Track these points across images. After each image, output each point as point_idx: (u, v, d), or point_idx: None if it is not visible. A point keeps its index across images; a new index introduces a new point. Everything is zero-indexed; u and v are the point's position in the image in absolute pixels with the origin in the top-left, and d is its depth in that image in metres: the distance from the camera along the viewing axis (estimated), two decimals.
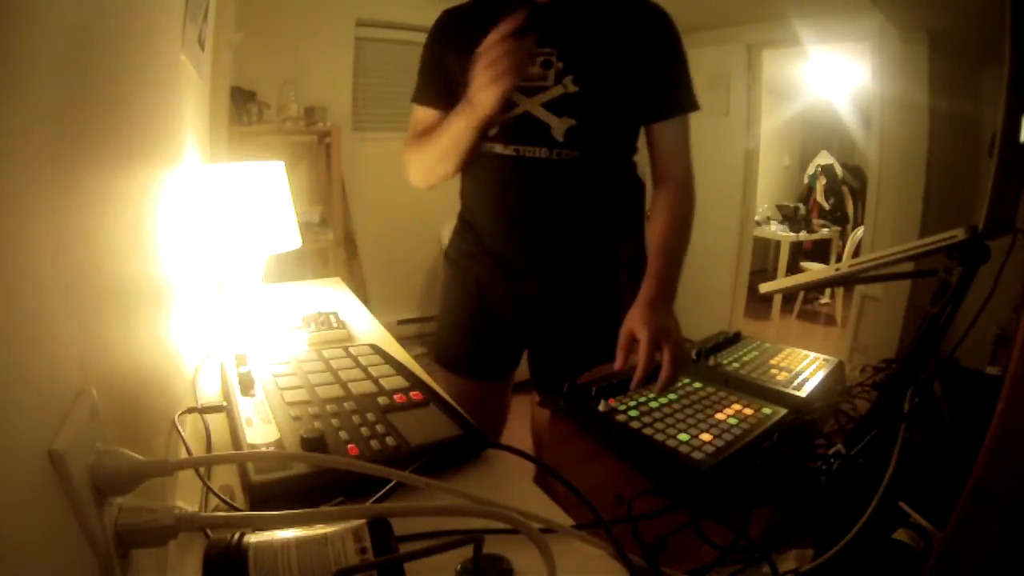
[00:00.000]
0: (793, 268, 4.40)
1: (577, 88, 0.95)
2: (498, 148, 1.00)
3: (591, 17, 0.98)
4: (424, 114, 1.09)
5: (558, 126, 0.97)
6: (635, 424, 0.79)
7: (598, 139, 1.00)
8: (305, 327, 1.10)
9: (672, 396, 0.89)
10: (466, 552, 0.41)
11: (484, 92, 0.89)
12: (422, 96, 1.09)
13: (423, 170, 1.07)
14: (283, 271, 1.53)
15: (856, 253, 3.72)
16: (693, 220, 1.04)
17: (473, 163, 1.05)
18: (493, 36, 0.86)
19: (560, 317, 1.12)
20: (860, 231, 3.61)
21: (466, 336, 1.19)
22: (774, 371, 1.00)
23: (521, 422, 1.28)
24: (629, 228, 1.13)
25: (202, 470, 0.55)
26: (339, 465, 0.47)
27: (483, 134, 1.00)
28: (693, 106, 1.02)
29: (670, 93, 1.01)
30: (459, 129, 0.96)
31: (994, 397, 0.43)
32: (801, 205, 4.75)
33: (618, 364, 0.92)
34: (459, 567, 0.47)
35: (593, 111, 0.97)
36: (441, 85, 1.04)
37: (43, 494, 0.29)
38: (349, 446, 0.62)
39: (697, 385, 0.93)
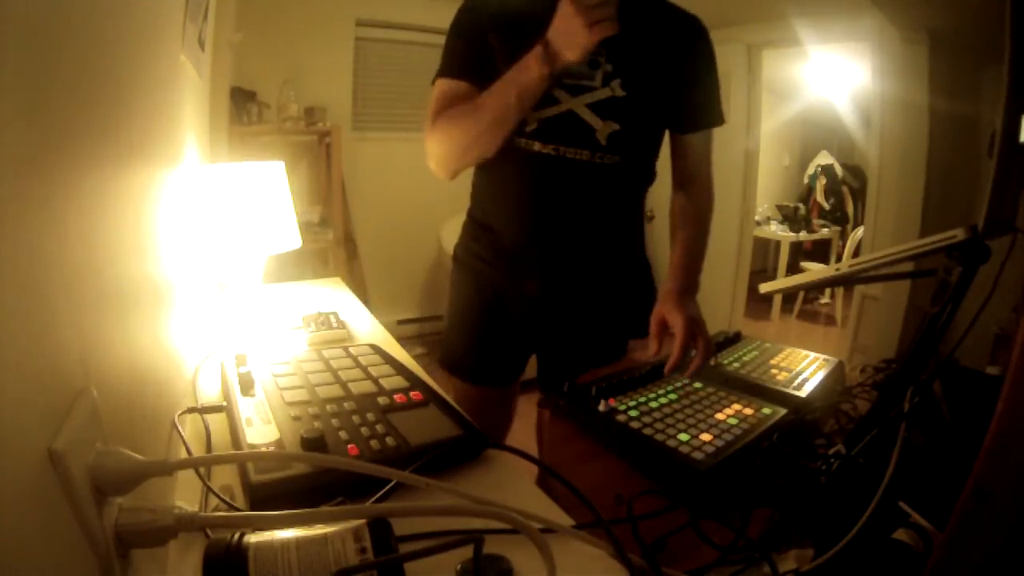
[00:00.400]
0: (793, 268, 4.40)
1: (624, 93, 0.94)
2: (536, 146, 0.96)
3: (640, 22, 0.94)
4: (453, 88, 0.97)
5: (602, 129, 0.95)
6: (635, 424, 0.79)
7: (638, 146, 1.00)
8: (305, 327, 1.10)
9: (672, 396, 0.89)
10: (466, 552, 0.41)
11: (578, 36, 0.80)
12: (452, 68, 0.98)
13: (456, 151, 0.98)
14: (283, 271, 1.53)
15: (856, 253, 3.72)
16: (711, 222, 1.08)
17: (498, 159, 0.98)
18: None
19: (574, 321, 1.11)
20: (860, 231, 3.60)
21: (478, 343, 1.15)
22: (774, 371, 1.00)
23: (520, 421, 1.28)
24: (638, 231, 1.15)
25: (202, 470, 0.55)
26: (339, 465, 0.47)
27: (518, 129, 0.95)
28: (722, 119, 1.05)
29: (707, 107, 1.02)
30: (520, 90, 0.87)
31: (994, 397, 0.43)
32: (801, 205, 4.75)
33: (652, 350, 0.97)
34: (459, 567, 0.47)
35: (637, 117, 0.96)
36: (475, 57, 0.96)
37: (43, 494, 0.29)
38: (349, 446, 0.62)
39: (697, 385, 0.93)
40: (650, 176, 1.09)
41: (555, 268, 1.06)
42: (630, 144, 0.97)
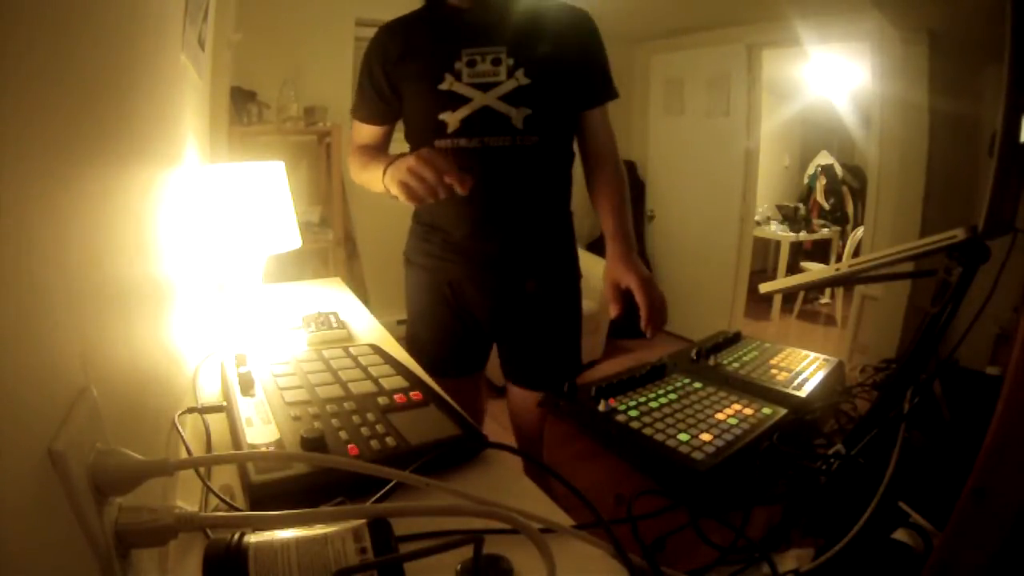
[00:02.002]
0: (793, 268, 4.40)
1: (529, 80, 1.04)
2: (462, 142, 1.05)
3: (528, 18, 1.07)
4: (361, 128, 1.18)
5: (516, 115, 1.05)
6: (635, 424, 0.79)
7: (551, 124, 1.09)
8: (305, 327, 1.10)
9: (672, 396, 0.89)
10: (466, 552, 0.41)
11: (394, 189, 0.95)
12: (360, 113, 1.17)
13: (363, 184, 1.14)
14: (283, 271, 1.53)
15: (856, 253, 3.72)
16: (628, 190, 1.17)
17: None
18: (435, 157, 0.90)
19: (529, 304, 1.18)
20: (860, 231, 3.60)
21: (442, 336, 1.21)
22: (774, 371, 1.00)
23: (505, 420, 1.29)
24: (567, 210, 1.23)
25: (202, 470, 0.55)
26: (339, 465, 0.47)
27: (441, 132, 1.06)
28: (616, 94, 1.16)
29: (599, 83, 1.13)
30: (378, 184, 1.02)
31: (994, 397, 0.43)
32: (801, 205, 4.75)
33: (614, 312, 1.06)
34: (459, 567, 0.47)
35: (544, 99, 1.06)
36: (378, 101, 1.13)
37: (43, 494, 0.29)
38: (349, 446, 0.62)
39: (697, 385, 0.93)
40: (569, 154, 1.18)
41: (503, 255, 1.14)
42: (544, 124, 1.07)
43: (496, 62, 1.03)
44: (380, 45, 1.10)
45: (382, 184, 0.99)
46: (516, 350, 1.23)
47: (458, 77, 1.03)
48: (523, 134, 1.05)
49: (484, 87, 1.03)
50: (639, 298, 1.01)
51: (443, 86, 1.03)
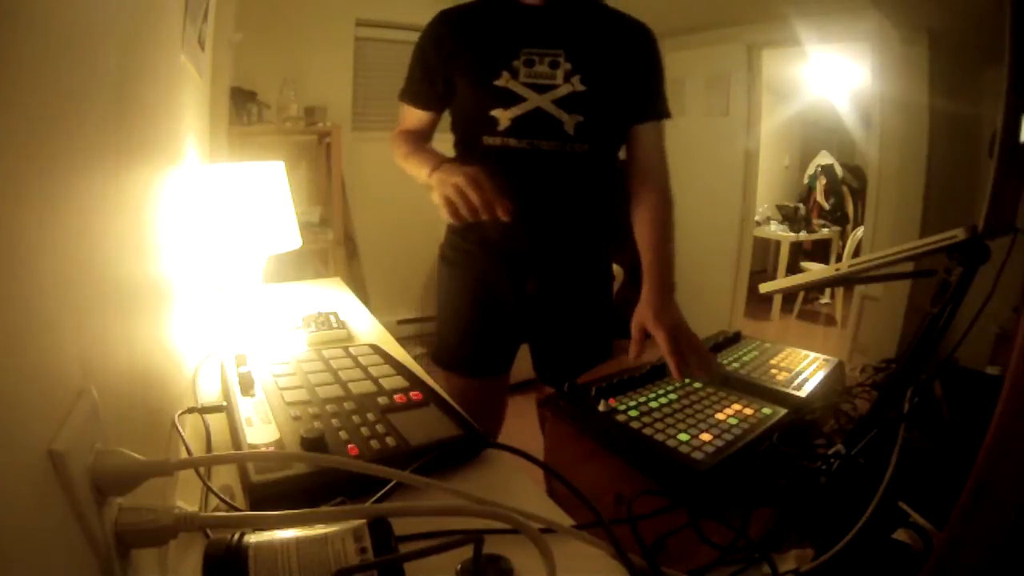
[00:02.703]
0: (793, 268, 4.39)
1: (584, 87, 1.02)
2: (511, 142, 1.04)
3: (590, 25, 1.06)
4: (409, 112, 1.16)
5: (569, 121, 1.03)
6: (635, 424, 0.79)
7: (602, 134, 1.07)
8: (305, 327, 1.10)
9: (672, 396, 0.89)
10: (466, 552, 0.41)
11: (437, 198, 0.95)
12: (408, 96, 1.15)
13: (404, 170, 1.13)
14: (283, 271, 1.53)
15: (856, 253, 3.72)
16: (674, 217, 1.12)
17: (477, 159, 1.06)
18: (482, 179, 0.91)
19: (563, 308, 1.16)
20: (860, 231, 3.60)
21: (470, 335, 1.20)
22: (774, 371, 1.00)
23: (520, 420, 1.29)
24: (610, 219, 1.21)
25: (202, 470, 0.55)
26: (339, 465, 0.47)
27: (491, 129, 1.04)
28: (668, 113, 1.13)
29: (654, 99, 1.11)
30: (422, 178, 1.02)
31: (994, 397, 0.43)
32: (801, 205, 4.75)
33: (633, 355, 1.00)
34: (459, 567, 0.47)
35: (597, 108, 1.04)
36: (428, 88, 1.11)
37: (43, 494, 0.29)
38: (349, 446, 0.62)
39: (697, 385, 0.93)
40: (614, 163, 1.16)
41: (539, 258, 1.12)
42: (595, 133, 1.05)
43: (554, 64, 1.02)
44: (436, 31, 1.09)
45: (425, 181, 0.99)
46: (549, 351, 1.22)
47: (515, 75, 1.02)
48: (573, 141, 1.04)
49: (539, 88, 1.02)
50: (663, 350, 0.95)
51: (499, 82, 1.02)
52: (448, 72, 1.07)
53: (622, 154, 1.16)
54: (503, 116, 1.03)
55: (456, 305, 1.20)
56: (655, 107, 1.10)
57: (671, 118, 1.12)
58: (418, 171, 1.03)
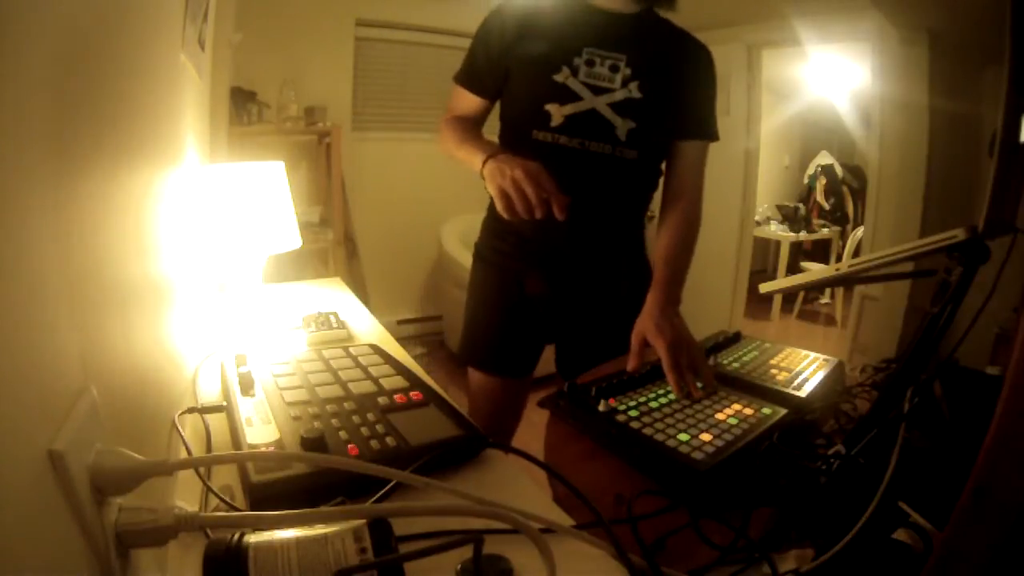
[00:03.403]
0: (793, 268, 4.39)
1: (641, 95, 1.03)
2: (562, 139, 1.04)
3: (653, 35, 1.07)
4: (464, 97, 1.14)
5: (621, 126, 1.03)
6: (635, 424, 0.79)
7: (652, 143, 1.08)
8: (305, 327, 1.10)
9: (672, 396, 0.89)
10: (466, 552, 0.41)
11: (492, 190, 0.93)
12: (465, 79, 1.13)
13: (450, 157, 1.11)
14: (283, 271, 1.53)
15: (856, 253, 3.72)
16: (697, 239, 1.12)
17: (524, 154, 1.02)
18: (541, 174, 0.88)
19: (594, 312, 1.17)
20: (860, 231, 3.60)
21: (502, 334, 1.21)
22: (774, 371, 1.00)
23: (520, 421, 1.29)
24: (643, 227, 1.21)
25: (202, 470, 0.55)
26: (339, 465, 0.47)
27: (543, 124, 1.03)
28: (717, 136, 1.13)
29: (704, 119, 1.11)
30: (472, 163, 1.00)
31: (994, 397, 0.43)
32: (801, 205, 4.75)
33: (632, 365, 0.97)
34: (459, 567, 0.47)
35: (651, 117, 1.05)
36: (487, 73, 1.10)
37: (43, 494, 0.29)
38: (349, 446, 0.62)
39: (698, 385, 0.93)
40: (659, 174, 1.16)
41: (579, 257, 1.12)
42: (646, 141, 1.05)
43: (614, 68, 1.02)
44: (501, 18, 1.07)
45: (478, 170, 0.97)
46: (575, 351, 1.22)
47: (575, 73, 1.02)
48: (624, 146, 1.04)
49: (597, 90, 1.02)
50: (664, 362, 0.92)
51: (558, 77, 1.01)
52: (508, 61, 1.06)
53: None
54: (557, 112, 1.02)
55: (489, 304, 1.21)
56: (704, 127, 1.11)
57: (718, 140, 1.13)
58: (471, 158, 1.01)
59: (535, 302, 1.16)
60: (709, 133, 1.11)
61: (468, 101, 1.14)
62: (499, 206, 0.91)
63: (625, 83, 1.02)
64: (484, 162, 0.96)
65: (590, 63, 1.02)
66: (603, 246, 1.13)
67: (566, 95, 1.02)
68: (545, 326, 1.19)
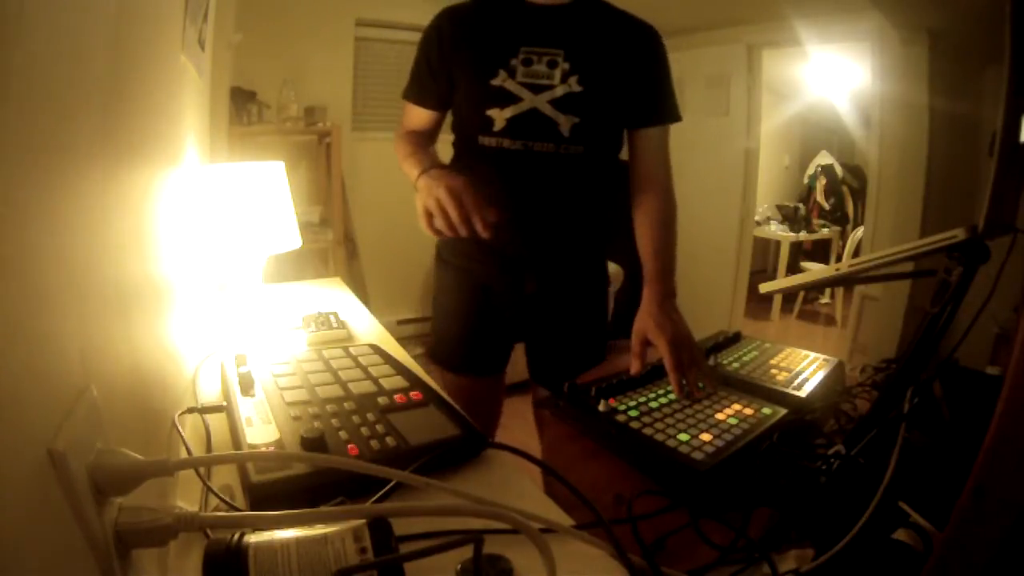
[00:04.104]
0: (793, 268, 4.39)
1: (581, 88, 1.00)
2: (505, 143, 1.03)
3: (592, 25, 1.03)
4: (413, 111, 1.15)
5: (564, 123, 1.01)
6: (635, 424, 0.79)
7: (599, 136, 1.05)
8: (305, 327, 1.10)
9: (672, 396, 0.89)
10: (466, 552, 0.41)
11: (419, 206, 0.95)
12: (411, 94, 1.14)
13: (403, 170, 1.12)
14: (283, 271, 1.53)
15: (856, 253, 3.72)
16: (677, 221, 1.09)
17: (472, 160, 1.07)
18: (464, 194, 0.89)
19: (558, 309, 1.16)
20: (860, 231, 3.60)
21: (467, 334, 1.20)
22: (774, 371, 1.00)
23: (519, 421, 1.29)
24: (607, 222, 1.19)
25: (202, 470, 0.55)
26: (339, 465, 0.47)
27: (486, 129, 1.03)
28: (677, 117, 1.10)
29: (658, 103, 1.07)
30: (411, 178, 1.01)
31: (994, 397, 0.43)
32: (801, 205, 4.75)
33: (635, 369, 0.95)
34: (459, 567, 0.47)
35: (595, 110, 1.02)
36: (431, 85, 1.10)
37: (43, 494, 0.29)
38: (349, 446, 0.62)
39: (698, 385, 0.93)
40: (611, 165, 1.13)
41: (535, 260, 1.11)
42: (591, 135, 1.03)
43: (552, 64, 1.00)
44: (438, 28, 1.07)
45: (414, 184, 0.98)
46: (543, 352, 1.22)
47: (512, 74, 1.00)
48: (568, 142, 1.02)
49: (536, 88, 1.00)
50: (666, 361, 0.91)
51: (496, 81, 1.01)
52: (450, 70, 1.06)
53: (625, 155, 1.15)
54: (499, 116, 1.01)
55: (453, 305, 1.21)
56: (659, 111, 1.08)
57: (680, 121, 1.10)
58: (410, 173, 1.02)
59: (497, 302, 1.16)
60: (666, 116, 1.08)
61: (417, 115, 1.14)
62: (422, 223, 0.93)
63: (565, 78, 1.00)
64: (417, 177, 0.97)
65: (527, 62, 1.00)
66: (560, 244, 1.12)
67: (506, 98, 1.00)
68: (509, 326, 1.19)
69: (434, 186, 0.91)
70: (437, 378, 1.02)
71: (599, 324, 1.22)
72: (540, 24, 1.02)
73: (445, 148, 1.16)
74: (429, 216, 0.92)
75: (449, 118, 1.16)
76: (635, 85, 1.04)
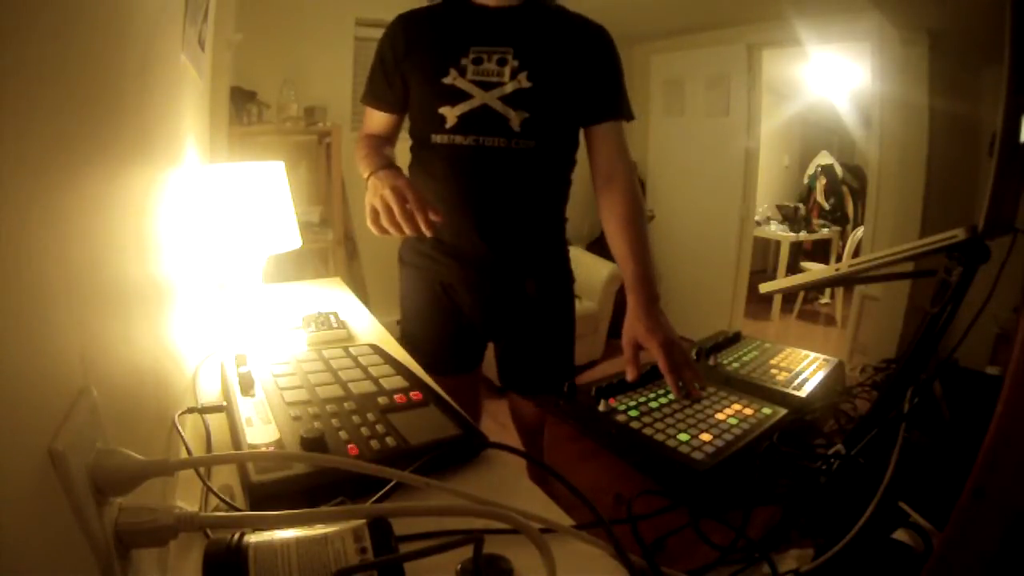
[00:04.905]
0: (793, 268, 4.39)
1: (531, 84, 1.03)
2: (457, 139, 1.05)
3: (541, 24, 1.07)
4: (371, 115, 1.18)
5: (515, 118, 1.04)
6: (635, 424, 0.79)
7: (550, 131, 1.07)
8: (305, 327, 1.10)
9: (672, 396, 0.89)
10: (466, 552, 0.41)
11: (366, 203, 0.97)
12: (369, 98, 1.17)
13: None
14: (283, 271, 1.53)
15: (856, 253, 3.72)
16: (644, 218, 1.09)
17: (425, 157, 1.10)
18: (407, 191, 0.92)
19: (522, 308, 1.17)
20: (860, 231, 3.60)
21: (437, 335, 1.22)
22: (774, 371, 1.00)
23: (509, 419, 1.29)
24: (562, 214, 1.21)
25: (202, 470, 0.55)
26: (339, 465, 0.47)
27: (438, 127, 1.06)
28: (629, 115, 1.11)
29: (609, 99, 1.09)
30: (363, 177, 1.04)
31: (994, 397, 0.43)
32: (801, 205, 4.75)
33: (631, 376, 0.95)
34: (459, 567, 0.47)
35: (545, 105, 1.05)
36: (387, 89, 1.13)
37: (43, 494, 0.29)
38: (349, 446, 0.62)
39: (697, 385, 0.93)
40: (567, 161, 1.15)
41: (494, 253, 1.12)
42: (542, 129, 1.05)
43: (501, 62, 1.03)
44: (393, 33, 1.11)
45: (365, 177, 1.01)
46: (510, 355, 1.23)
47: (462, 73, 1.03)
48: (519, 137, 1.04)
49: (486, 86, 1.03)
50: (661, 365, 0.91)
51: (446, 80, 1.03)
52: (404, 71, 1.09)
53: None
54: (450, 113, 1.04)
55: (417, 306, 1.22)
56: (611, 107, 1.08)
57: (633, 119, 1.11)
58: (363, 174, 1.04)
59: (458, 301, 1.18)
60: (617, 112, 1.09)
61: (375, 118, 1.17)
62: (368, 221, 0.96)
63: (514, 75, 1.03)
64: (367, 178, 1.00)
65: (477, 61, 1.03)
66: (515, 240, 1.12)
67: (456, 95, 1.03)
68: (473, 325, 1.20)
69: (380, 185, 0.95)
70: None
71: (564, 326, 1.22)
72: (490, 24, 1.05)
73: (405, 151, 1.18)
74: (375, 214, 0.95)
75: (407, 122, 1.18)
76: (585, 82, 1.06)
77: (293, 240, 1.18)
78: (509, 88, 1.03)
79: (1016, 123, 0.62)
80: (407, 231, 0.91)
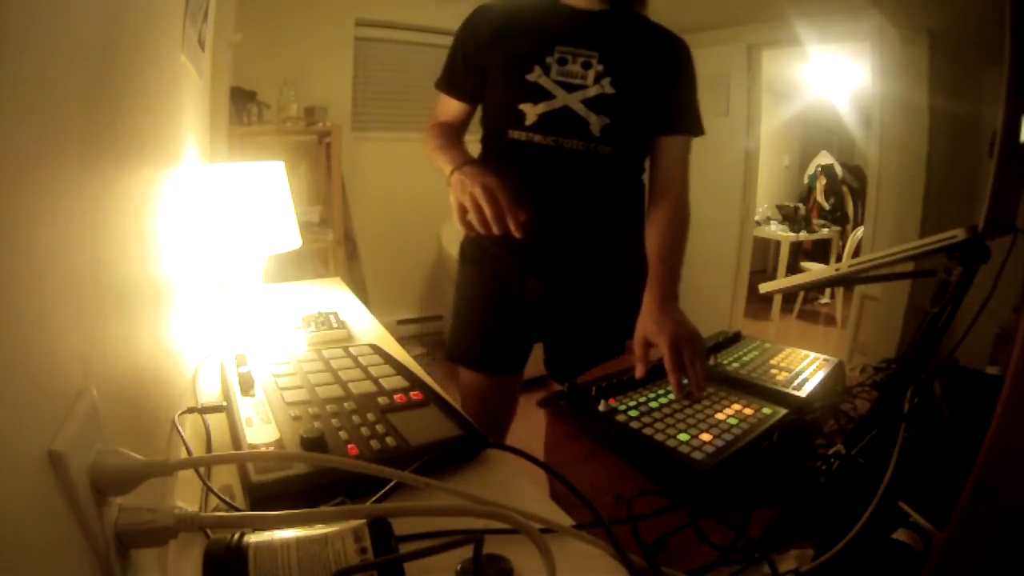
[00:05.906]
0: (793, 268, 4.39)
1: (614, 90, 1.03)
2: (536, 137, 1.05)
3: (626, 31, 1.07)
4: (445, 102, 1.16)
5: (595, 122, 1.04)
6: (635, 424, 0.79)
7: (628, 138, 1.07)
8: (305, 327, 1.10)
9: (672, 396, 0.89)
10: (466, 552, 0.41)
11: (453, 201, 0.96)
12: (445, 84, 1.15)
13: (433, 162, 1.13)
14: (283, 271, 1.53)
15: (856, 253, 3.72)
16: (688, 231, 1.10)
17: (500, 154, 1.08)
18: (500, 193, 0.91)
19: (578, 309, 1.17)
20: (860, 231, 3.60)
21: (488, 332, 1.21)
22: (774, 371, 1.00)
23: (521, 420, 1.29)
24: (637, 225, 1.19)
25: (202, 470, 0.55)
26: (339, 465, 0.47)
27: (517, 123, 1.05)
28: (700, 131, 1.13)
29: (684, 113, 1.10)
30: (444, 171, 1.03)
31: (994, 397, 0.43)
32: (801, 205, 4.75)
33: (640, 373, 0.95)
34: (459, 567, 0.47)
35: (625, 112, 1.05)
36: (465, 77, 1.11)
37: (43, 494, 0.29)
38: (349, 446, 0.62)
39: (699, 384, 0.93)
40: (640, 170, 1.16)
41: (560, 254, 1.12)
42: (620, 136, 1.05)
43: (586, 65, 1.03)
44: (474, 23, 1.09)
45: (447, 179, 1.00)
46: (562, 349, 1.23)
47: (547, 71, 1.03)
48: (598, 142, 1.04)
49: (569, 87, 1.03)
50: (665, 361, 0.90)
51: (531, 77, 1.03)
52: (484, 63, 1.08)
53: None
54: (531, 111, 1.03)
55: (474, 302, 1.21)
56: (683, 121, 1.10)
57: (703, 135, 1.12)
58: (443, 167, 1.03)
59: (519, 300, 1.17)
60: (689, 128, 1.11)
61: (450, 106, 1.16)
62: (457, 219, 0.94)
63: (598, 79, 1.03)
64: (451, 173, 0.98)
65: (562, 61, 1.03)
66: (585, 242, 1.13)
67: (539, 94, 1.03)
68: (531, 324, 1.20)
69: (469, 183, 0.93)
70: (446, 385, 1.01)
71: (617, 323, 1.19)
72: (577, 26, 1.04)
73: (471, 149, 1.15)
74: (463, 211, 0.93)
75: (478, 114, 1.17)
76: (663, 93, 1.07)
77: (293, 240, 1.18)
78: (592, 92, 1.02)
79: (1016, 123, 0.62)
80: (495, 230, 0.90)
